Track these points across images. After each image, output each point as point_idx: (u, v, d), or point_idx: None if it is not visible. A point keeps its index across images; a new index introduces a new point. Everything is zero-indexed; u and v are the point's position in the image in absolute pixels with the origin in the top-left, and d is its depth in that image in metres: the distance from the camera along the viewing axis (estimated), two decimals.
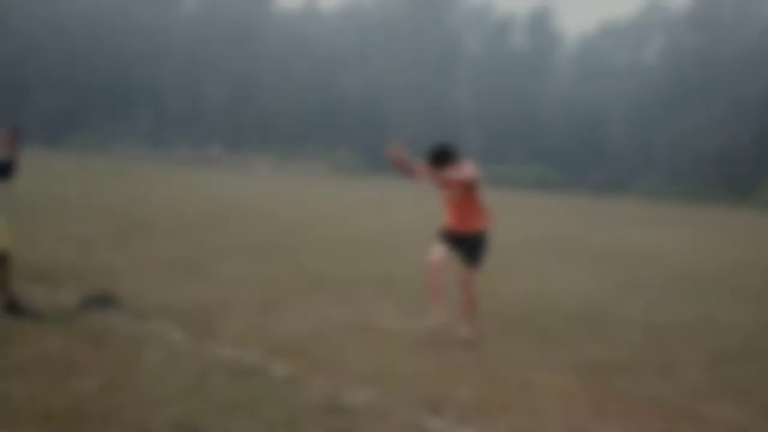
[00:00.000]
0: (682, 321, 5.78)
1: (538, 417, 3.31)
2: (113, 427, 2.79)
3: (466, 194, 4.59)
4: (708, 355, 4.68)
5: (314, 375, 3.71)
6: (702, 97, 42.59)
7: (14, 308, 4.42)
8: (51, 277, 5.69)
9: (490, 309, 5.70)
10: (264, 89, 49.78)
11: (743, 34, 42.87)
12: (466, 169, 4.49)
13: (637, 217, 21.38)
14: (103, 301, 4.80)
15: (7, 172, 4.50)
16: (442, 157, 4.53)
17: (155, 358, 3.75)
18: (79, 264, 6.35)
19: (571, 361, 4.29)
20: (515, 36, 54.24)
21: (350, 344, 4.37)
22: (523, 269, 8.12)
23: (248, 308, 5.13)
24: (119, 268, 6.33)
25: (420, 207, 18.63)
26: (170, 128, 49.55)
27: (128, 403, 3.06)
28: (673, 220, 21.53)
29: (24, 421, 2.77)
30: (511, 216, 17.07)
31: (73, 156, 36.92)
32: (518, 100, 50.78)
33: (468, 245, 4.64)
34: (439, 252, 4.58)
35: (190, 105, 50.78)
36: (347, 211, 15.39)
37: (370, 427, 3.05)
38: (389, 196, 22.84)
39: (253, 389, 3.38)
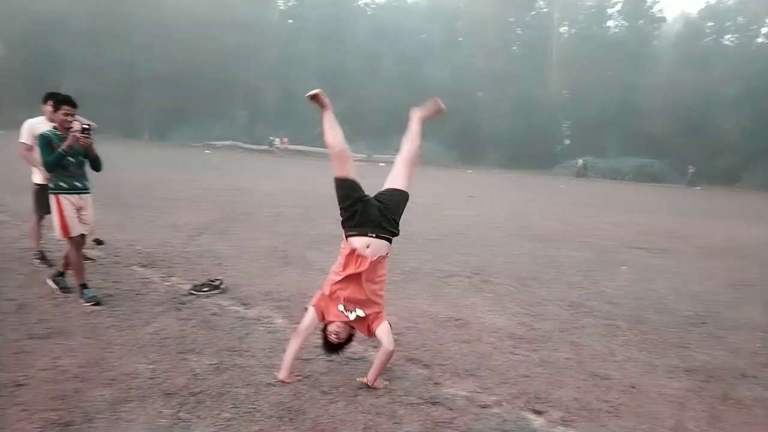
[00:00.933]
0: None
1: (649, 422, 3.14)
2: (226, 406, 2.95)
3: None
4: None
5: (411, 366, 3.74)
6: None
7: (61, 275, 4.91)
8: (164, 263, 6.10)
9: (593, 307, 5.48)
10: (352, 83, 50.55)
11: None
12: None
13: (751, 211, 19.70)
14: (211, 286, 5.09)
15: (97, 165, 4.90)
16: None
17: (261, 342, 3.92)
18: (188, 251, 6.77)
19: (684, 365, 4.03)
20: (611, 19, 51.43)
21: (446, 337, 4.36)
22: (627, 266, 7.72)
23: None
24: (224, 255, 6.68)
25: (504, 200, 18.22)
26: (264, 122, 51.52)
27: (239, 383, 3.23)
28: None
29: (149, 397, 2.99)
30: (611, 210, 16.29)
31: (179, 149, 39.37)
32: (615, 87, 48.20)
33: None
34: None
35: (281, 100, 52.50)
36: (437, 203, 15.33)
37: (470, 421, 3.02)
38: (476, 188, 22.50)
39: (353, 377, 3.46)
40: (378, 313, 3.41)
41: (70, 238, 4.67)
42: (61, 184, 4.67)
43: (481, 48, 49.89)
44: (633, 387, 3.59)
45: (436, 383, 3.48)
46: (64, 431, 2.59)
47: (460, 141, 49.05)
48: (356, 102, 50.02)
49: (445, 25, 54.64)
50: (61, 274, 4.90)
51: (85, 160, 4.80)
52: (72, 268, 4.77)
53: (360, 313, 3.34)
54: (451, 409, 3.13)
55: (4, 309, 4.20)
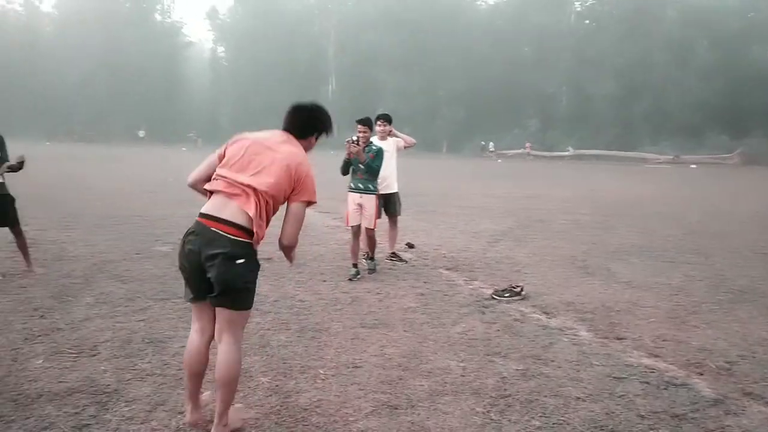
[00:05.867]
0: None
1: None
2: (535, 413, 2.94)
3: None
4: None
5: (748, 401, 3.17)
6: None
7: (371, 259, 6.18)
8: (466, 267, 6.45)
9: None
10: (656, 77, 45.94)
11: None
12: None
13: None
14: (512, 292, 5.17)
15: (370, 170, 5.80)
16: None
17: (566, 353, 3.81)
18: (488, 257, 7.03)
19: None
20: None
21: None
22: None
23: (658, 315, 4.75)
24: (522, 262, 6.73)
25: None
26: (555, 128, 50.54)
27: (547, 392, 3.18)
28: None
29: (461, 393, 3.18)
30: None
31: (473, 159, 41.40)
32: None
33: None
34: None
35: (575, 105, 50.79)
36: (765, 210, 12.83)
37: None
38: None
39: (675, 404, 3.09)
40: None
41: (350, 227, 6.01)
42: (351, 184, 5.92)
43: None
44: None
45: None
46: (393, 413, 2.92)
47: None
48: (661, 97, 45.37)
49: None
50: (371, 258, 6.14)
51: (371, 166, 5.79)
52: (351, 250, 6.03)
53: None
54: None
55: (342, 301, 4.98)
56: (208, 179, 2.62)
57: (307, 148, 2.73)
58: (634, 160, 40.02)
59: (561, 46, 50.84)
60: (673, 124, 44.80)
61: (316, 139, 2.79)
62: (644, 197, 15.61)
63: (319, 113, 2.77)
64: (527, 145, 45.86)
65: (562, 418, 2.89)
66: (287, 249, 2.64)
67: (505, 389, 3.22)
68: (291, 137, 2.67)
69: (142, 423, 2.73)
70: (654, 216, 11.42)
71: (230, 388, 2.54)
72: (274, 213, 2.59)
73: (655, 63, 45.73)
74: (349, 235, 6.28)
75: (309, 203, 2.61)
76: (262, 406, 2.95)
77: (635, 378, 3.43)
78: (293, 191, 2.56)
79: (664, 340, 4.13)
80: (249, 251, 2.49)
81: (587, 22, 53.67)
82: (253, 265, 2.55)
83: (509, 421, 2.86)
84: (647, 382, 3.37)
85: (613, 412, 2.97)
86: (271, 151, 2.56)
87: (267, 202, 2.51)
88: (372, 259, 6.18)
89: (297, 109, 2.75)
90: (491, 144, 47.43)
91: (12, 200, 5.46)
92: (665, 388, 3.30)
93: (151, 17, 64.88)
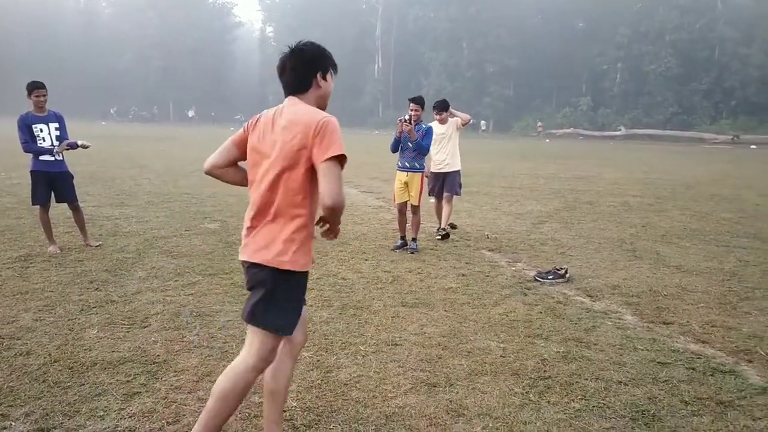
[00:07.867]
0: None
1: None
2: (575, 396, 2.91)
3: None
4: None
5: None
6: None
7: (413, 240, 6.26)
8: (509, 248, 6.39)
9: None
10: (719, 52, 43.68)
11: None
12: None
13: None
14: (556, 275, 5.09)
15: (420, 149, 5.92)
16: None
17: (609, 337, 3.75)
18: (532, 238, 6.93)
19: None
20: None
21: None
22: None
23: (707, 300, 4.60)
24: (567, 245, 6.62)
25: None
26: (608, 106, 48.87)
27: (588, 375, 3.15)
28: None
29: (501, 374, 3.18)
30: None
31: (519, 139, 40.54)
32: None
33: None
34: None
35: (629, 82, 48.89)
36: None
37: None
38: None
39: (722, 391, 3.01)
40: None
41: (396, 205, 6.22)
42: (398, 163, 6.08)
43: None
44: None
45: None
46: (431, 391, 2.95)
47: None
48: (723, 74, 43.15)
49: None
50: (414, 238, 6.22)
51: (420, 144, 5.91)
52: (398, 224, 6.27)
53: None
54: None
55: (383, 279, 5.02)
56: None
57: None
58: (691, 140, 38.39)
59: (617, 20, 48.85)
60: (735, 103, 42.64)
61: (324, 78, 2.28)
62: (699, 179, 15.00)
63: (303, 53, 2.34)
64: (539, 124, 45.48)
65: (602, 402, 2.86)
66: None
67: (545, 371, 3.20)
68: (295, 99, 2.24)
69: (189, 392, 2.85)
70: (709, 198, 10.97)
71: None
72: None
73: (718, 38, 43.47)
74: (391, 215, 6.32)
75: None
76: (304, 379, 3.04)
77: (681, 363, 3.35)
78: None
79: (713, 326, 4.00)
80: None
81: None
82: None
83: (548, 402, 2.84)
84: (693, 368, 3.29)
85: (655, 397, 2.92)
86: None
87: None
88: (414, 239, 6.20)
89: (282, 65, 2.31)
90: (482, 123, 47.13)
91: (71, 177, 5.72)
92: (711, 375, 3.21)
93: None
